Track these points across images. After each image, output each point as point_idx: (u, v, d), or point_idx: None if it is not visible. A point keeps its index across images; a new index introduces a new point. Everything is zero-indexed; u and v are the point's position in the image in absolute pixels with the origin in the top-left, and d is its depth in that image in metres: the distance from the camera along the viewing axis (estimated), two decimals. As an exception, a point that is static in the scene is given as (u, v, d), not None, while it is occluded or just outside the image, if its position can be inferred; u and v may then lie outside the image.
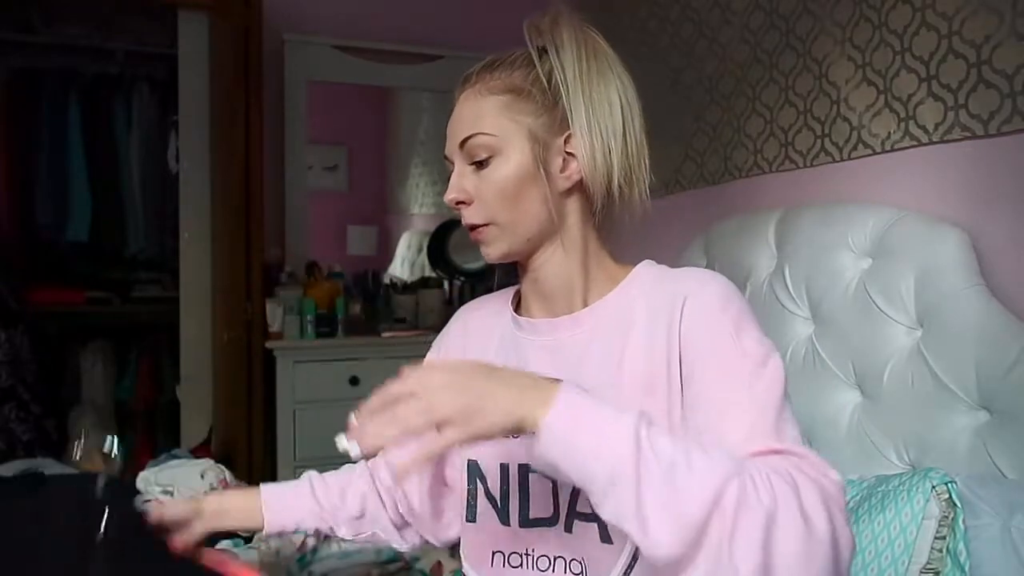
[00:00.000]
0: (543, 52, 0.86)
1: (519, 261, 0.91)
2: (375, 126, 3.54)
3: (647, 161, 0.87)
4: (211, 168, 2.88)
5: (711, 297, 0.80)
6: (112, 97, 3.40)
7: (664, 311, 0.81)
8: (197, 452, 2.47)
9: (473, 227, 0.87)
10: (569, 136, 0.85)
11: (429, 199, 3.47)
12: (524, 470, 0.87)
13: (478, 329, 0.99)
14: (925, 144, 1.53)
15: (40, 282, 3.34)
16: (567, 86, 0.83)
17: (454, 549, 1.01)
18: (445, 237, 3.03)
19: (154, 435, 3.52)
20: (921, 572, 1.14)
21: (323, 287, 2.83)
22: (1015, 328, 1.27)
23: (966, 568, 1.10)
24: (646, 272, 0.88)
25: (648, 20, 2.43)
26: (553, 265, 0.88)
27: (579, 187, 0.86)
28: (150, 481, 1.94)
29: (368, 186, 3.50)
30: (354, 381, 2.68)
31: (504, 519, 0.88)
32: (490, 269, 3.33)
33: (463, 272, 3.06)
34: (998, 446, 1.24)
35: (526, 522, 0.86)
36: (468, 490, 0.91)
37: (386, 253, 3.46)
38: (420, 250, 3.34)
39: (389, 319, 2.96)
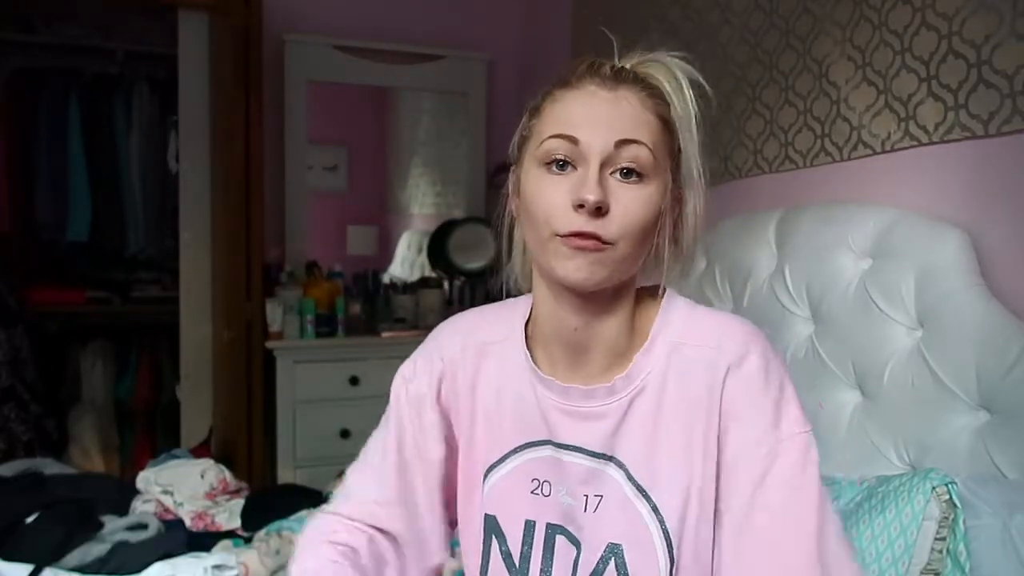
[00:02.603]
0: (666, 97, 0.78)
1: (567, 315, 0.79)
2: (375, 126, 3.54)
3: None
4: (211, 168, 2.88)
5: (753, 371, 0.76)
6: (112, 97, 3.40)
7: (701, 376, 0.77)
8: (197, 452, 2.47)
9: (593, 238, 0.72)
10: (675, 192, 0.78)
11: (429, 199, 3.47)
12: (553, 529, 0.81)
13: (484, 367, 0.87)
14: (925, 144, 1.53)
15: (40, 282, 3.34)
16: (691, 152, 0.78)
17: (455, 548, 0.99)
18: (445, 237, 3.03)
19: (154, 435, 3.52)
20: (921, 573, 1.14)
21: (323, 287, 2.84)
22: (1015, 328, 1.27)
23: (966, 569, 1.10)
24: (673, 320, 0.81)
25: (648, 20, 2.43)
26: (606, 327, 0.79)
27: None
28: (150, 481, 1.94)
29: (368, 186, 3.50)
30: (354, 381, 2.69)
31: None
32: (490, 269, 3.33)
33: (463, 272, 3.06)
34: (998, 446, 1.24)
35: None
36: (483, 546, 0.84)
37: (386, 253, 3.46)
38: (420, 250, 3.34)
39: (389, 319, 2.96)
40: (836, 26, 1.73)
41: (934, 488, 1.15)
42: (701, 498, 0.76)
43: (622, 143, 0.73)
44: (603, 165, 0.73)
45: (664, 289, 0.83)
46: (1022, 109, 1.34)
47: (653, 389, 0.78)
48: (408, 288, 3.12)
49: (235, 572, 1.53)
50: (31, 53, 3.35)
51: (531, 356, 0.83)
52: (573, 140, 0.74)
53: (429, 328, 0.97)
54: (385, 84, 3.22)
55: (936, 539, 1.13)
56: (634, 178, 0.73)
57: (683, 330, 0.80)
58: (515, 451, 0.84)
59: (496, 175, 3.17)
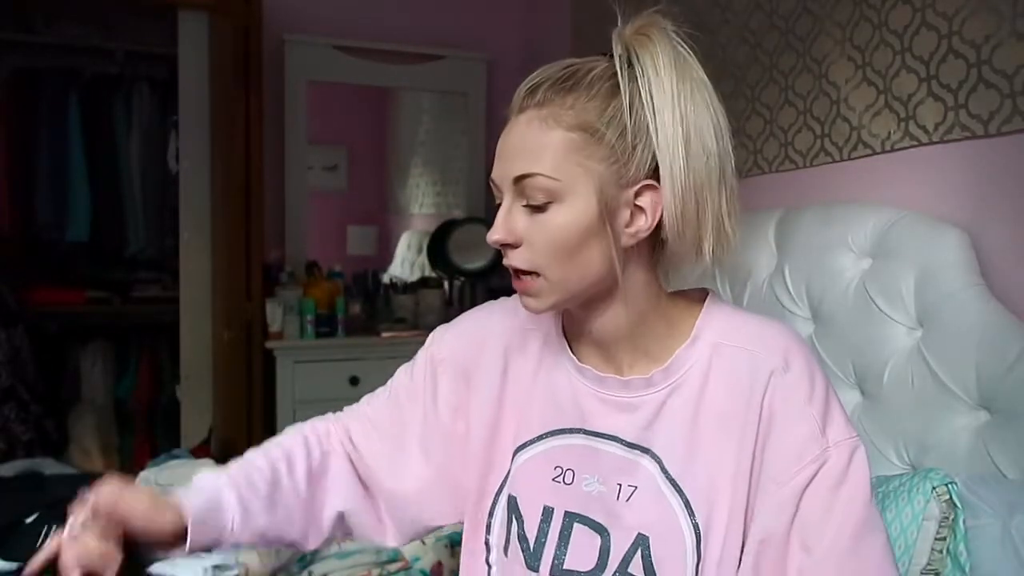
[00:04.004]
0: (630, 76, 0.73)
1: (569, 319, 0.83)
2: (375, 126, 3.54)
3: (738, 207, 0.79)
4: (211, 168, 2.88)
5: (796, 379, 0.76)
6: (112, 97, 3.40)
7: (744, 378, 0.77)
8: (197, 452, 2.47)
9: (516, 272, 0.77)
10: (642, 188, 0.74)
11: (429, 199, 3.47)
12: (571, 518, 0.82)
13: (523, 349, 0.89)
14: (925, 144, 1.53)
15: (40, 282, 3.34)
16: (661, 134, 0.71)
17: (454, 548, 0.99)
18: (445, 237, 3.03)
19: (154, 435, 3.51)
20: (922, 573, 1.14)
21: (323, 287, 2.84)
22: (1015, 328, 1.27)
23: (966, 569, 1.10)
24: (716, 320, 0.81)
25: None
26: (609, 321, 0.80)
27: (645, 240, 0.76)
28: (150, 481, 1.94)
29: (368, 186, 3.50)
30: (354, 381, 2.68)
31: (533, 564, 0.82)
32: (491, 269, 3.31)
33: (463, 272, 3.06)
34: (998, 446, 1.24)
35: (558, 571, 0.81)
36: (507, 525, 0.85)
37: (386, 253, 3.46)
38: (420, 250, 3.34)
39: (389, 319, 2.96)
40: (836, 26, 1.73)
41: (934, 488, 1.15)
42: (733, 498, 0.76)
43: (518, 179, 0.74)
44: (516, 197, 0.75)
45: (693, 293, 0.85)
46: (1022, 109, 1.34)
47: (693, 386, 0.79)
48: (408, 288, 3.12)
49: (235, 572, 1.53)
50: (31, 53, 3.35)
51: (569, 346, 0.85)
52: (494, 184, 0.78)
53: (429, 328, 0.99)
54: (385, 84, 3.22)
55: (936, 539, 1.13)
56: (538, 208, 0.74)
57: (725, 330, 0.80)
58: (543, 436, 0.85)
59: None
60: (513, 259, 0.76)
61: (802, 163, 1.85)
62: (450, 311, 2.91)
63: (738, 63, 2.04)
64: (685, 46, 0.76)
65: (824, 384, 0.77)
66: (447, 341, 0.94)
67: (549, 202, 0.73)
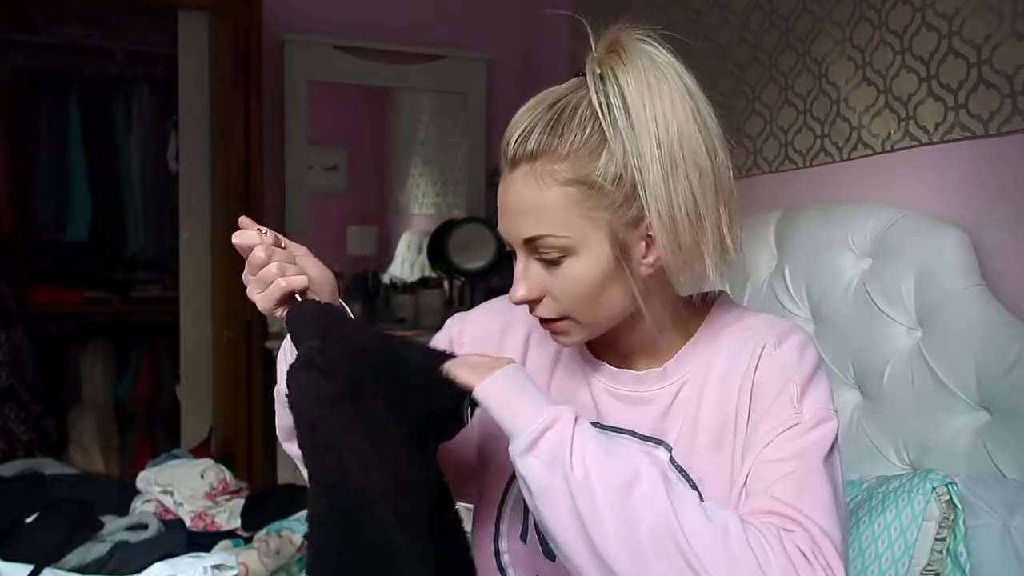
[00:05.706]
0: (611, 111, 0.71)
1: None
2: (375, 126, 3.54)
3: (738, 212, 0.78)
4: (211, 168, 2.88)
5: (786, 353, 0.77)
6: (112, 97, 3.39)
7: (741, 358, 0.78)
8: (197, 452, 2.47)
9: (545, 320, 0.79)
10: (651, 220, 0.73)
11: (429, 199, 3.48)
12: None
13: (540, 343, 0.90)
14: (925, 144, 1.53)
15: (40, 282, 3.34)
16: (644, 170, 0.70)
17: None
18: (445, 237, 3.03)
19: (154, 435, 3.51)
20: (922, 573, 1.14)
21: (323, 287, 2.83)
22: (1015, 328, 1.27)
23: (966, 569, 1.10)
24: (721, 314, 0.84)
25: (648, 20, 2.43)
26: (633, 336, 0.82)
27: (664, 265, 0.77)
28: (150, 481, 1.94)
29: (368, 186, 3.50)
30: (354, 381, 2.68)
31: (550, 553, 0.82)
32: (491, 269, 3.30)
33: (463, 272, 3.06)
34: (998, 446, 1.25)
35: None
36: (524, 514, 0.85)
37: (386, 253, 3.46)
38: (420, 250, 3.34)
39: (389, 319, 2.96)
40: (836, 26, 1.73)
41: (934, 489, 1.15)
42: (731, 474, 0.76)
43: (527, 241, 0.74)
44: (529, 254, 0.76)
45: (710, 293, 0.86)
46: (1022, 109, 1.34)
47: (699, 374, 0.80)
48: (408, 288, 3.12)
49: (235, 572, 1.53)
50: (31, 53, 3.35)
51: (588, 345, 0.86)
52: (503, 236, 0.78)
53: (430, 328, 0.98)
54: (385, 84, 3.22)
55: (936, 539, 1.13)
56: (553, 262, 0.74)
57: (729, 322, 0.83)
58: None
59: (496, 175, 3.16)
60: (540, 311, 0.78)
61: (802, 163, 1.85)
62: (450, 311, 2.90)
63: (738, 63, 2.04)
64: (663, 51, 0.75)
65: (814, 362, 0.78)
66: (468, 323, 0.93)
67: (563, 256, 0.74)
